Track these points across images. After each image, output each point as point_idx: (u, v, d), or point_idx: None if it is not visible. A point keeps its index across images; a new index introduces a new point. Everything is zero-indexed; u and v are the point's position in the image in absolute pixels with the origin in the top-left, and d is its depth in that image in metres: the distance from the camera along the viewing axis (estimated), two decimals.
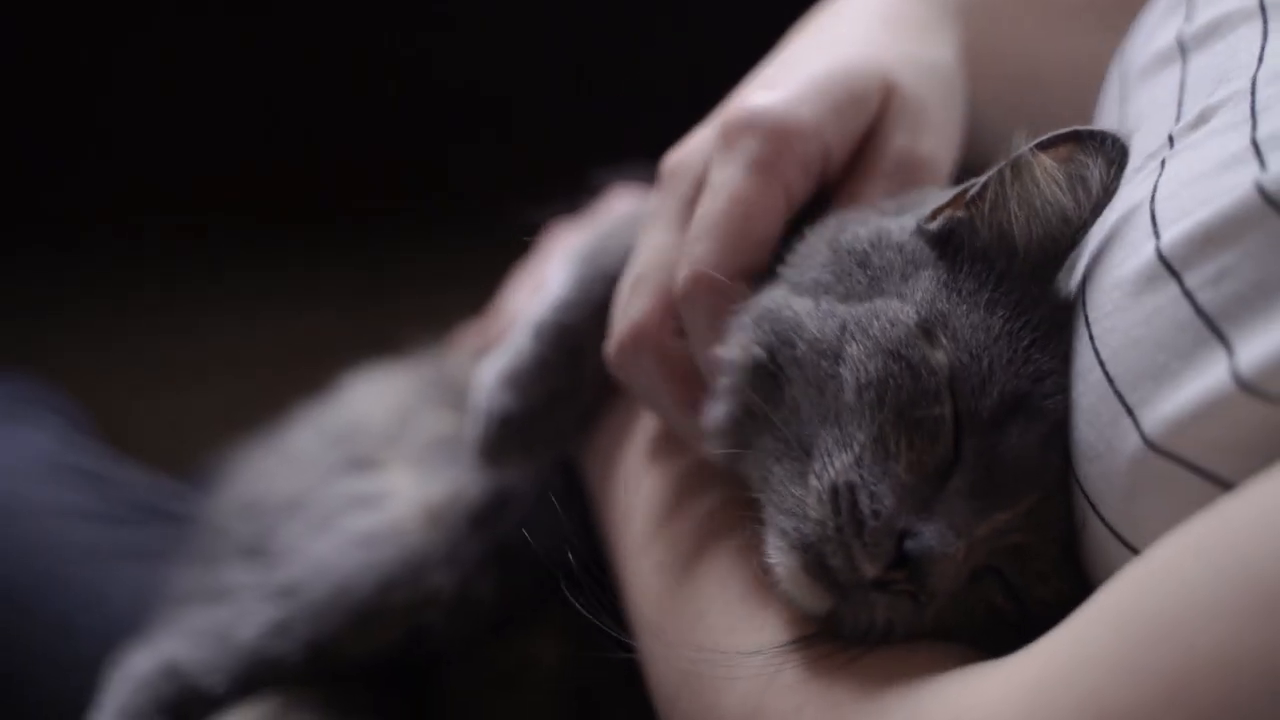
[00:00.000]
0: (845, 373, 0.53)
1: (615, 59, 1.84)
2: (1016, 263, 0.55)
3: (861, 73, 0.62)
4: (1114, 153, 0.53)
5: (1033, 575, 0.53)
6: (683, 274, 0.60)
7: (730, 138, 0.60)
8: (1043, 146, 0.54)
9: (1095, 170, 0.53)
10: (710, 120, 0.65)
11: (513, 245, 0.86)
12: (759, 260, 0.60)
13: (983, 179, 0.55)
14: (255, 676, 0.74)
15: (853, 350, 0.53)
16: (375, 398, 0.85)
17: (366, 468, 0.80)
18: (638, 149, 0.80)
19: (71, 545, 0.84)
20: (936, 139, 0.63)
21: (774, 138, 0.60)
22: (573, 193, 0.83)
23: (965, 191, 0.56)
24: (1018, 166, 0.54)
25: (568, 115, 1.84)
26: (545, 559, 0.73)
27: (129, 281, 1.80)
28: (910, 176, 0.62)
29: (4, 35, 1.86)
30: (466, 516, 0.75)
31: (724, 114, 0.62)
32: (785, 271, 0.59)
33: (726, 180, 0.60)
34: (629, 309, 0.63)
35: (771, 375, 0.56)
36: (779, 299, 0.57)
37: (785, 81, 0.62)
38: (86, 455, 0.91)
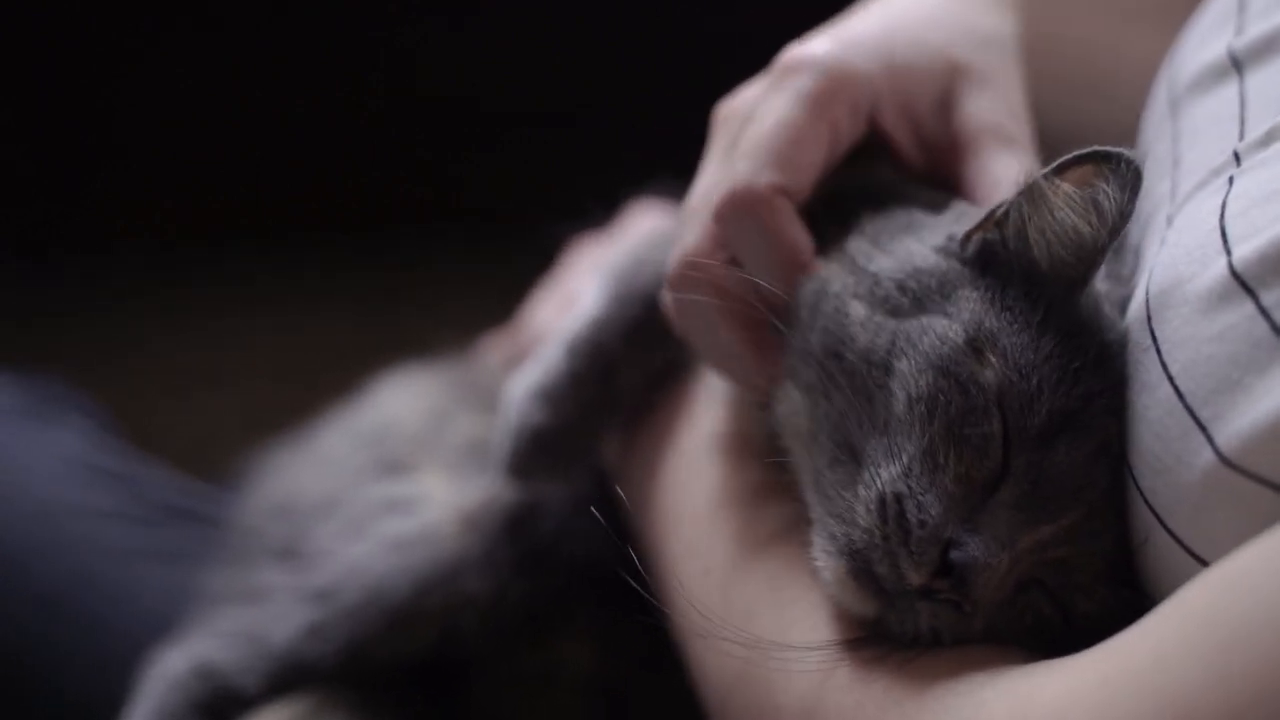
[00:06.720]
0: (895, 386, 0.53)
1: (623, 69, 1.84)
2: (1049, 286, 0.55)
3: (918, 39, 0.63)
4: (1128, 175, 0.53)
5: (1075, 588, 0.53)
6: (720, 191, 0.59)
7: (782, 75, 0.61)
8: (1061, 169, 0.54)
9: (1110, 194, 0.53)
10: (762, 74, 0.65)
11: (526, 253, 0.86)
12: (799, 187, 0.59)
13: (1006, 202, 0.56)
14: (289, 678, 0.74)
15: (903, 365, 0.54)
16: (406, 400, 0.85)
17: (400, 471, 0.80)
18: (647, 158, 0.80)
19: (101, 546, 0.84)
20: (1010, 105, 0.63)
21: (825, 76, 0.60)
22: (584, 205, 0.83)
23: (993, 213, 0.56)
24: (1034, 192, 0.55)
25: (576, 125, 1.84)
26: (580, 565, 0.75)
27: (149, 286, 1.79)
28: (1008, 142, 0.62)
29: (17, 41, 1.87)
30: (501, 522, 0.75)
31: (777, 60, 0.62)
32: (853, 245, 0.59)
33: (773, 108, 0.60)
34: (680, 242, 0.61)
35: (829, 376, 0.56)
36: (838, 288, 0.57)
37: (839, 35, 0.62)
38: (114, 456, 0.91)
